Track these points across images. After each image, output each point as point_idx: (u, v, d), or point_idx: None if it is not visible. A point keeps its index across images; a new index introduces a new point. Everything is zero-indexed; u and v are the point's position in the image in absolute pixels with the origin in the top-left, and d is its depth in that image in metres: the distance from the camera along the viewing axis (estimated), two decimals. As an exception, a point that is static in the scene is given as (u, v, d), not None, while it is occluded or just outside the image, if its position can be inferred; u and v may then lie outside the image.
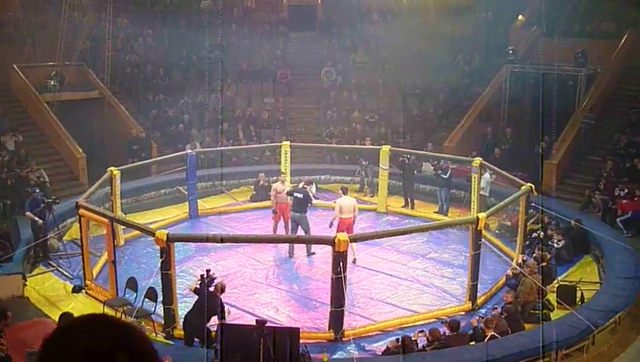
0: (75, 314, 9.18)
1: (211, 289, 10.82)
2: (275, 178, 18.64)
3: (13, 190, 17.04)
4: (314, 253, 14.97)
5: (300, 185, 15.47)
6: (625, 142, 19.07)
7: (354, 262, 14.24)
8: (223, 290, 10.88)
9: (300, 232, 14.82)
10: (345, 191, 15.17)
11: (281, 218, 15.83)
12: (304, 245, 15.16)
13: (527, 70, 21.76)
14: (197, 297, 10.82)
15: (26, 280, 13.21)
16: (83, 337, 1.44)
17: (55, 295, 13.10)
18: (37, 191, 15.23)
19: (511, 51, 22.18)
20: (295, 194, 15.06)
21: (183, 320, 11.07)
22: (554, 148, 19.87)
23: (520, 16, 24.87)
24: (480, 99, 22.73)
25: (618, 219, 16.23)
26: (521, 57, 22.56)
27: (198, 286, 10.78)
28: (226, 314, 11.02)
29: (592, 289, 13.22)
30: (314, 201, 15.36)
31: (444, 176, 18.17)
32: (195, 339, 10.75)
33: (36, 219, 14.24)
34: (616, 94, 21.27)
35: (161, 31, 25.95)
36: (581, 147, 20.30)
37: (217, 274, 11.56)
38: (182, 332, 11.16)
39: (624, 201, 16.61)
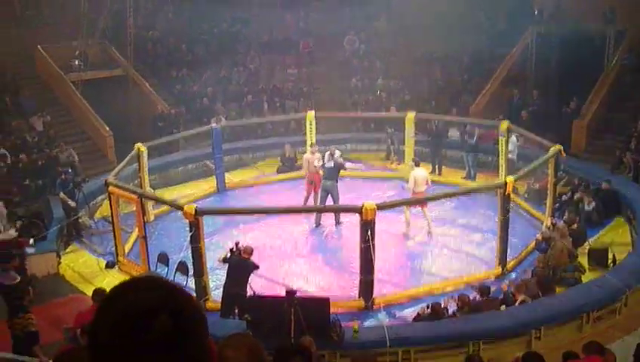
0: (107, 290, 9.37)
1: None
2: (301, 149, 18.75)
3: (44, 170, 17.31)
4: (342, 223, 15.00)
5: (327, 155, 15.46)
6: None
7: (429, 234, 14.29)
8: (251, 253, 10.85)
9: (330, 201, 14.86)
10: (417, 163, 14.98)
11: (313, 188, 15.89)
12: (333, 214, 15.21)
13: (554, 30, 21.31)
14: (227, 266, 10.90)
15: (60, 258, 13.49)
16: (130, 297, 1.44)
17: (89, 271, 13.35)
18: (69, 171, 15.43)
19: (536, 11, 21.73)
20: (326, 165, 15.11)
21: (222, 292, 11.04)
22: (583, 108, 19.53)
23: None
24: (505, 62, 22.35)
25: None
26: (547, 17, 22.11)
27: (228, 256, 10.85)
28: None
29: (624, 250, 13.06)
30: (347, 165, 15.39)
31: (471, 141, 18.00)
32: (236, 311, 10.79)
33: (69, 201, 14.52)
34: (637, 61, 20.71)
35: (182, 5, 25.91)
36: (623, 88, 19.93)
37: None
38: (214, 305, 11.28)
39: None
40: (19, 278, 10.15)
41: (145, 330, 1.39)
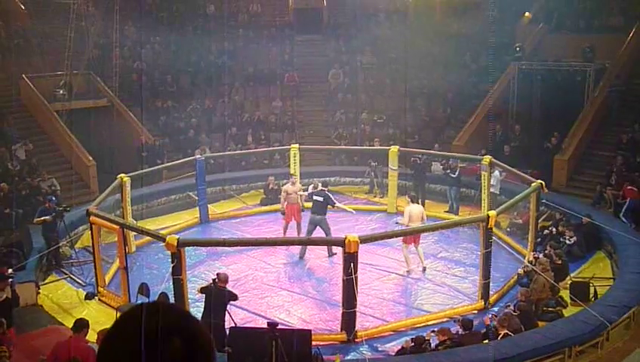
0: (89, 321, 9.26)
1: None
2: (285, 181, 18.77)
3: (26, 199, 17.16)
4: (335, 254, 14.64)
5: (319, 188, 15.43)
6: (628, 137, 18.92)
7: (424, 270, 14.22)
8: (225, 281, 10.80)
9: (318, 233, 14.79)
10: (413, 199, 14.87)
11: (292, 219, 15.90)
12: (320, 247, 15.11)
13: (535, 67, 21.69)
14: (205, 297, 10.81)
15: (39, 288, 13.27)
16: (145, 321, 1.49)
17: (68, 302, 13.16)
18: (52, 199, 15.23)
19: (518, 48, 22.12)
20: (315, 198, 14.99)
21: None
22: (564, 144, 19.78)
23: (526, 13, 24.81)
24: (488, 97, 22.65)
25: (621, 214, 16.14)
26: (529, 54, 22.50)
27: (206, 286, 10.78)
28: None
29: (605, 284, 13.13)
30: (336, 204, 15.28)
31: (453, 176, 18.14)
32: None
33: (43, 218, 14.26)
34: (625, 88, 21.10)
35: (168, 37, 26.10)
36: (609, 117, 20.33)
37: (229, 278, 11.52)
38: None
39: (629, 188, 16.50)
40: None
41: (158, 353, 1.43)
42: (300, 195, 15.99)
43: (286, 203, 15.96)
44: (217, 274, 10.83)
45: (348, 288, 11.09)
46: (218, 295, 10.55)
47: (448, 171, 18.33)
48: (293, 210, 15.92)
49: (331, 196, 15.30)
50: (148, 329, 1.46)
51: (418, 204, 15.18)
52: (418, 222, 14.20)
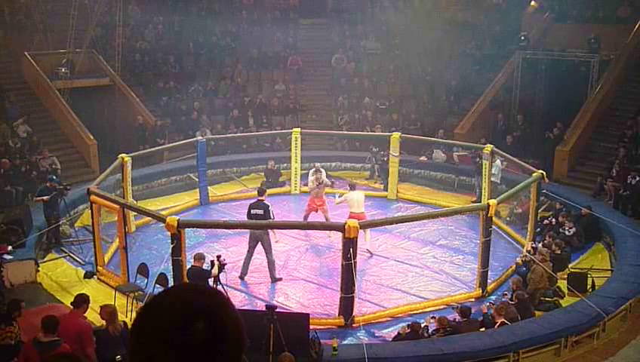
0: (89, 297, 9.27)
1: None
2: (285, 165, 18.94)
3: (26, 177, 17.15)
4: (280, 279, 13.22)
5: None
6: (633, 131, 18.87)
7: (370, 253, 14.25)
8: (199, 259, 10.98)
9: (260, 250, 13.09)
10: (353, 187, 14.96)
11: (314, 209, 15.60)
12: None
13: (540, 56, 21.59)
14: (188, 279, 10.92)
15: (38, 266, 13.32)
16: (169, 305, 1.50)
17: (67, 281, 13.19)
18: (54, 178, 15.20)
19: (523, 37, 22.01)
20: (253, 211, 13.17)
21: None
22: (566, 134, 19.74)
23: (532, 2, 24.66)
24: (491, 86, 22.56)
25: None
26: (534, 43, 22.38)
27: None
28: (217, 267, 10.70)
29: (603, 276, 13.17)
30: (275, 221, 13.52)
31: (480, 163, 17.87)
32: None
33: (42, 197, 14.26)
34: (630, 80, 21.02)
35: (172, 18, 25.97)
36: (606, 116, 20.33)
37: (228, 260, 11.56)
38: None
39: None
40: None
41: (182, 335, 1.44)
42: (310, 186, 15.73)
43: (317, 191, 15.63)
44: (194, 255, 10.96)
45: (346, 273, 11.12)
46: (197, 275, 10.62)
47: (478, 160, 17.83)
48: (313, 200, 15.67)
49: (271, 210, 13.12)
50: (174, 313, 1.47)
51: (359, 191, 15.17)
52: (361, 207, 14.50)
